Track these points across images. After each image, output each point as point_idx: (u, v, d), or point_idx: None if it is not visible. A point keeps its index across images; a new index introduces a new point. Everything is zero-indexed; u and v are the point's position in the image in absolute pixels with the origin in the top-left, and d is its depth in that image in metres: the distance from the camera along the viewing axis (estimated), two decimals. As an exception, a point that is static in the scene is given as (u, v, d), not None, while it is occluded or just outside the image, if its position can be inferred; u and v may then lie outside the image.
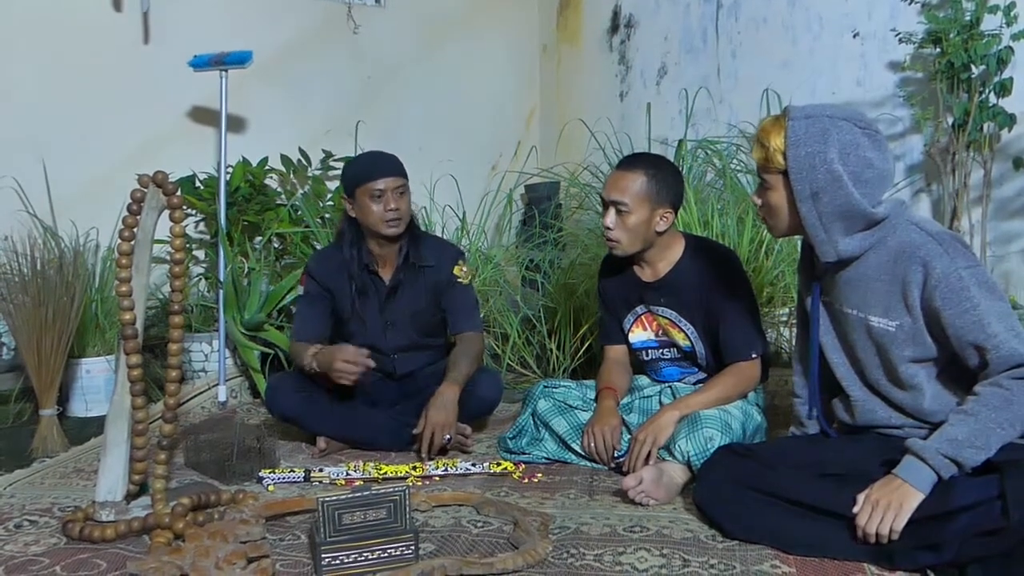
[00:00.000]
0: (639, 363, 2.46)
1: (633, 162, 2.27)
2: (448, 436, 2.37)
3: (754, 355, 2.23)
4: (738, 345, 2.23)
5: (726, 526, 1.77)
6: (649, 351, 2.41)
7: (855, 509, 1.63)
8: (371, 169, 2.49)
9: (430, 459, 2.34)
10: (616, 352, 2.46)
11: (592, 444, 2.24)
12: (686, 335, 2.31)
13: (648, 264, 2.32)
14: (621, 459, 2.21)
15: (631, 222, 2.21)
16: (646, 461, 2.08)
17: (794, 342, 2.31)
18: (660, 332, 2.37)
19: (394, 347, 2.61)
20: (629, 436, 2.23)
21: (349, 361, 2.36)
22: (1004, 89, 2.66)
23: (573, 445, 2.30)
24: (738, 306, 2.23)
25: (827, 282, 1.84)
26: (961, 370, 1.70)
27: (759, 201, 1.82)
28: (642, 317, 2.39)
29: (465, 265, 2.64)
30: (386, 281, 2.58)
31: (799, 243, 3.03)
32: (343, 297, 2.57)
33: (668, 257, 2.31)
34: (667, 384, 2.38)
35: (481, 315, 2.80)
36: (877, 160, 1.68)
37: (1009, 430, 1.58)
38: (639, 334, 2.41)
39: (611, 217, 2.22)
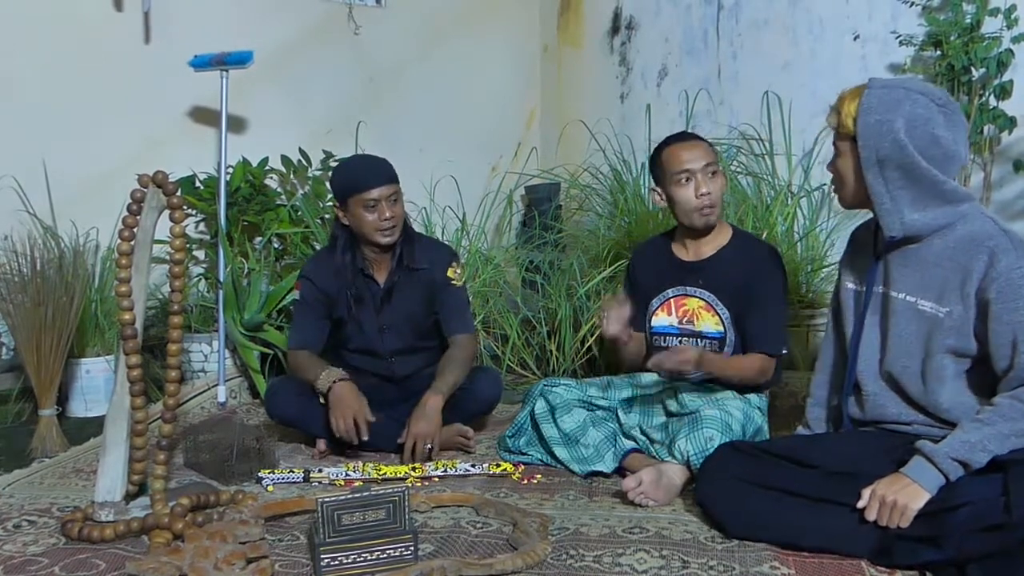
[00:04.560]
0: (654, 350, 2.44)
1: (692, 134, 2.35)
2: (429, 445, 2.36)
3: (784, 351, 2.26)
4: (766, 338, 2.24)
5: (728, 523, 1.77)
6: (667, 338, 2.38)
7: (860, 504, 1.64)
8: (363, 178, 2.43)
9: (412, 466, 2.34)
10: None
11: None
12: (720, 319, 2.30)
13: (693, 244, 2.34)
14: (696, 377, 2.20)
15: (721, 183, 2.27)
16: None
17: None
18: (685, 319, 2.35)
19: (391, 350, 2.60)
20: (666, 418, 2.26)
21: (347, 423, 2.34)
22: (1004, 92, 2.67)
23: (556, 451, 2.29)
24: (772, 300, 2.25)
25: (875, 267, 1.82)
26: (985, 374, 1.69)
27: (831, 170, 1.82)
28: (671, 300, 2.37)
29: (459, 267, 2.62)
30: (381, 284, 2.56)
31: (823, 241, 3.04)
32: (340, 302, 2.56)
33: (714, 241, 2.33)
34: (668, 384, 2.37)
35: (476, 316, 2.77)
36: (946, 139, 1.67)
37: (1022, 440, 1.59)
38: (662, 318, 2.39)
39: (709, 183, 2.23)
